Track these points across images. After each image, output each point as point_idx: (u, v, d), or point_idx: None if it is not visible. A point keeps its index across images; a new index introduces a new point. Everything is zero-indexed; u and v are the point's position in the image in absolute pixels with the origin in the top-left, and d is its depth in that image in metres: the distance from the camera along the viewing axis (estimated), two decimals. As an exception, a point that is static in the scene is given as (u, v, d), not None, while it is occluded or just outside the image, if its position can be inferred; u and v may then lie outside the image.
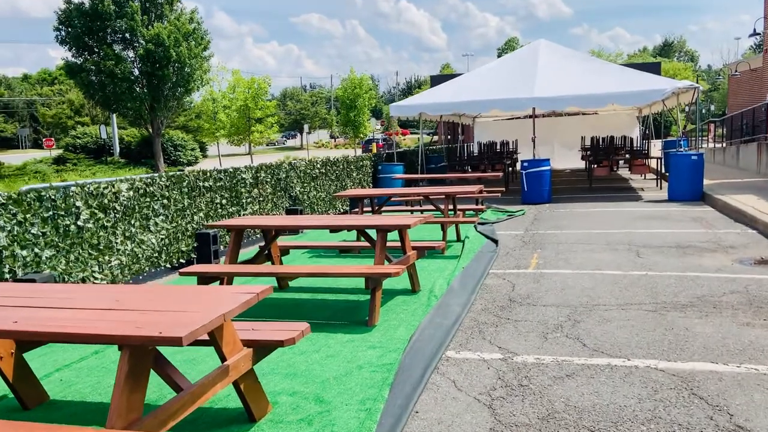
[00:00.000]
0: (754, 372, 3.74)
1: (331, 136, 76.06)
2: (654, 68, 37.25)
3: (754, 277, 6.04)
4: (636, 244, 8.04)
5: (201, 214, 8.00)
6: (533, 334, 4.62)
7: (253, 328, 3.43)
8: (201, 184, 8.03)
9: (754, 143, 17.35)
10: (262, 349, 3.31)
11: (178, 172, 7.86)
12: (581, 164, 20.97)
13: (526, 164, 13.22)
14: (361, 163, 13.86)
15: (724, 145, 22.25)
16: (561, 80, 13.84)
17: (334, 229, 6.64)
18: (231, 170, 8.73)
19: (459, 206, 9.60)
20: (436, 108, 14.42)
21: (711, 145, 24.49)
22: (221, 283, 5.35)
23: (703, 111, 65.97)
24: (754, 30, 21.36)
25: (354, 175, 13.40)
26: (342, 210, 12.62)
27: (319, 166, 11.64)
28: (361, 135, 41.29)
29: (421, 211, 10.21)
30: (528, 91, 13.40)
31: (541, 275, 6.54)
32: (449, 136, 35.58)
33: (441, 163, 18.58)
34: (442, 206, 8.42)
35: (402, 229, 5.50)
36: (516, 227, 9.93)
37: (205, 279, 5.27)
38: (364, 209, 8.79)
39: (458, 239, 8.75)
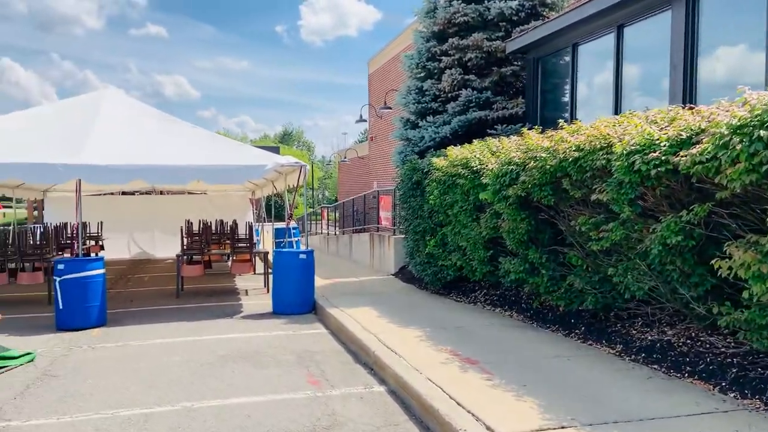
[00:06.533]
0: None
1: None
2: (274, 152, 36.64)
3: None
4: (184, 455, 4.03)
5: None
6: None
7: None
8: None
9: (366, 233, 15.94)
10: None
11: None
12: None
13: (62, 267, 8.35)
14: None
15: (337, 232, 21.11)
16: (127, 144, 9.59)
17: None
18: None
19: None
20: None
21: (325, 230, 23.36)
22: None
23: (320, 196, 70.55)
24: (360, 116, 21.10)
25: None
26: None
27: None
28: None
29: None
30: (71, 155, 8.72)
31: None
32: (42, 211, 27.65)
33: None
34: None
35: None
36: (-24, 409, 4.98)
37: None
38: None
39: None
